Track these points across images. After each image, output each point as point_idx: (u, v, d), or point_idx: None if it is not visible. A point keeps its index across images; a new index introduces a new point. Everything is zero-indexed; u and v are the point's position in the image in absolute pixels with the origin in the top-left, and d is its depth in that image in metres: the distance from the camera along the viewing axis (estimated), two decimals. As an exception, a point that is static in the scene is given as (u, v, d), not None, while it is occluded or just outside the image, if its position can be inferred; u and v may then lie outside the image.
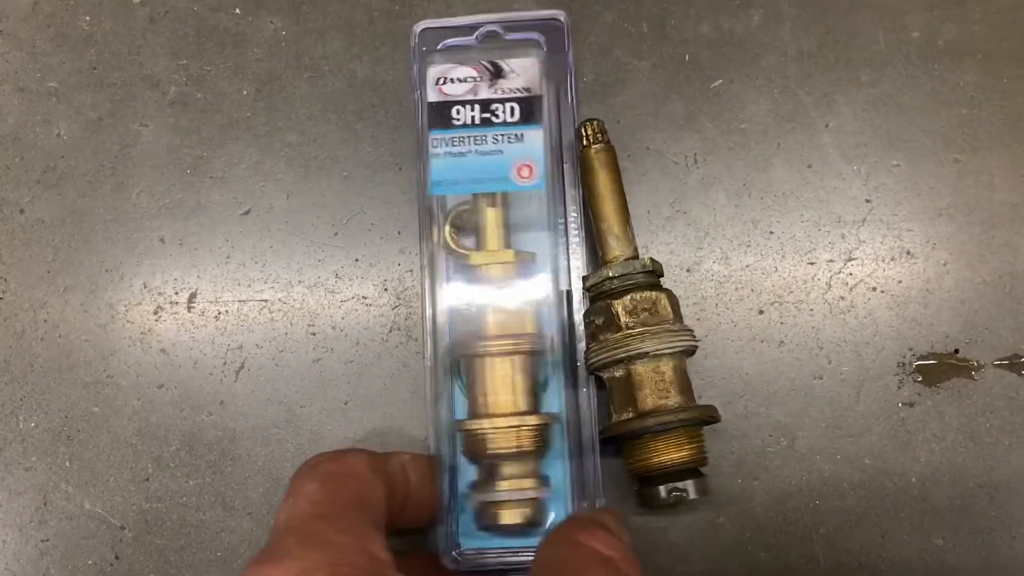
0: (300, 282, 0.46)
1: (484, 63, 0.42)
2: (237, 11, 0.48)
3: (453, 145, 0.41)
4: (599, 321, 0.41)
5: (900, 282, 0.45)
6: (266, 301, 0.46)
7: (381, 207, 0.46)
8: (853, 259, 0.46)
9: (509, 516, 0.39)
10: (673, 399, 0.40)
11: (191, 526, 0.44)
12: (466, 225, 0.43)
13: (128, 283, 0.46)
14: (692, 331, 0.41)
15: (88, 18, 0.49)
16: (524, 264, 0.42)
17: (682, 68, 0.47)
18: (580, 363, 0.42)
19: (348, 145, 0.47)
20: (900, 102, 0.47)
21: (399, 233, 0.46)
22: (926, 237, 0.46)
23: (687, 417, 0.40)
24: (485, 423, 0.39)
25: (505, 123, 0.41)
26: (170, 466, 0.45)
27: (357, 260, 0.46)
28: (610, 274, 0.42)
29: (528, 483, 0.39)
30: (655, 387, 0.40)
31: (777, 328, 0.45)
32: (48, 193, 0.47)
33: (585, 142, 0.44)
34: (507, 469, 0.39)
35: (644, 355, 0.40)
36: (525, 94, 0.42)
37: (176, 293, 0.46)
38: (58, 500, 0.45)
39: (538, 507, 0.40)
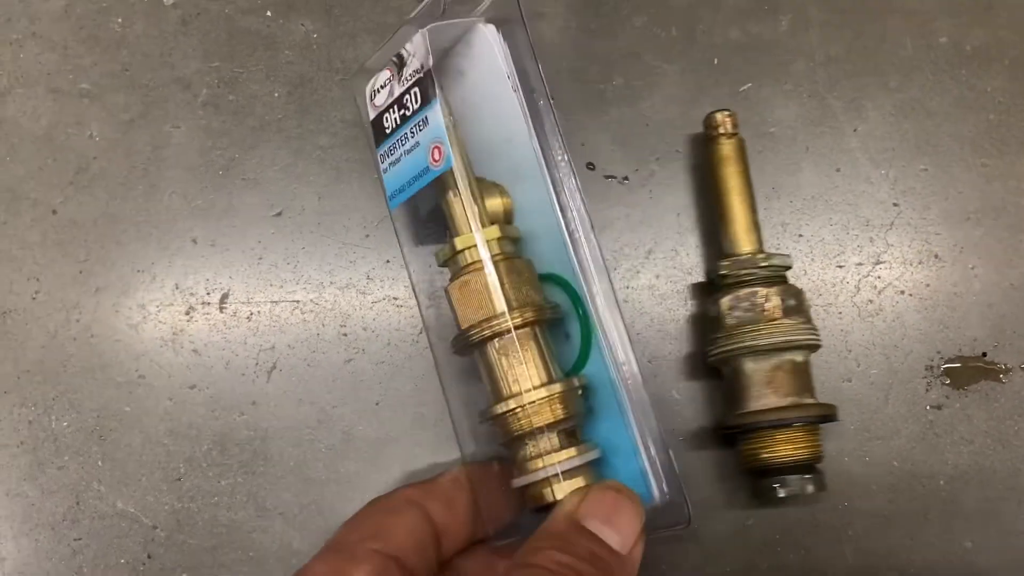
0: (332, 283, 0.46)
1: (393, 59, 0.40)
2: (268, 14, 0.49)
3: (390, 155, 0.40)
4: (737, 310, 0.41)
5: (928, 286, 0.46)
6: (298, 302, 0.46)
7: (412, 209, 0.47)
8: (881, 262, 0.46)
9: (559, 491, 0.36)
10: (811, 394, 0.41)
11: (223, 526, 0.45)
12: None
13: (160, 284, 0.46)
14: None
15: (120, 20, 0.49)
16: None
17: (711, 72, 0.47)
18: (600, 313, 0.39)
19: (379, 147, 0.47)
20: (928, 107, 0.47)
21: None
22: (954, 241, 0.46)
23: (825, 414, 0.41)
24: (512, 403, 0.37)
25: (414, 113, 0.39)
26: (202, 466, 0.45)
27: (388, 261, 0.46)
28: (775, 263, 0.42)
29: (564, 454, 0.36)
30: (794, 380, 0.41)
31: (806, 331, 0.45)
32: (80, 194, 0.47)
33: (720, 131, 0.43)
34: (542, 444, 0.37)
35: (791, 346, 0.40)
36: (420, 74, 0.39)
37: (208, 294, 0.46)
38: (90, 499, 0.45)
39: (589, 473, 0.37)
